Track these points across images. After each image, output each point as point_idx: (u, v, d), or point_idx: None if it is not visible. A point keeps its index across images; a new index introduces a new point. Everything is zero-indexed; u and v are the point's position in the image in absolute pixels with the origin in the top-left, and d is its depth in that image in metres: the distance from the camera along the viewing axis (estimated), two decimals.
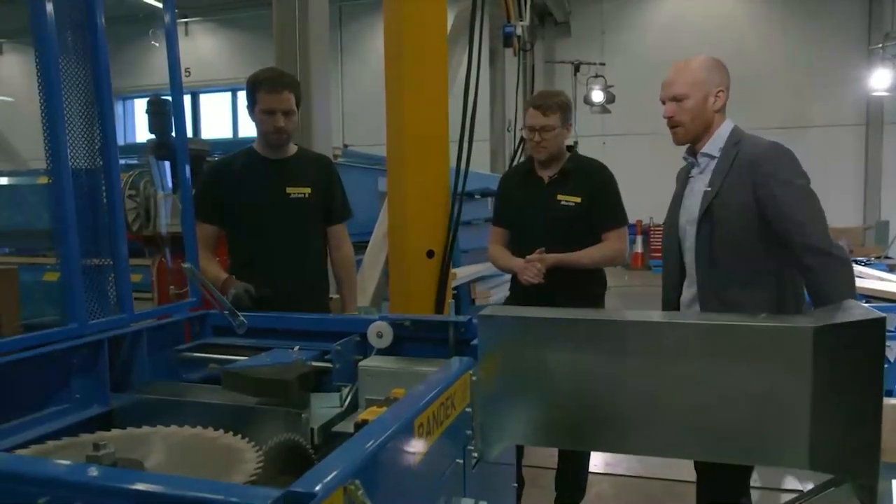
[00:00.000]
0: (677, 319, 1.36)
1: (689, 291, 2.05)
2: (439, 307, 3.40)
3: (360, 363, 1.57)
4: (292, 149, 2.60)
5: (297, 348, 1.78)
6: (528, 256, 2.54)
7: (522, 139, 7.73)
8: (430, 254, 3.37)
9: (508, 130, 8.71)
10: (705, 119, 2.01)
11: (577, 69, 9.37)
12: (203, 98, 16.19)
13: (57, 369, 1.56)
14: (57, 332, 1.57)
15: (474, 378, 1.32)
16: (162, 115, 3.22)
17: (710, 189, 1.95)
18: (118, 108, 15.93)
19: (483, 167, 8.00)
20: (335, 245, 2.68)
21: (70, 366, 1.58)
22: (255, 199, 2.48)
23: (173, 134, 3.20)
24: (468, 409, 1.29)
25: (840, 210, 11.98)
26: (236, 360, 1.76)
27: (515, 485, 1.79)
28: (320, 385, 1.69)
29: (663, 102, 2.02)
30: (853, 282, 1.87)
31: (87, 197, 1.72)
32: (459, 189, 3.34)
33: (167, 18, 2.05)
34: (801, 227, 1.84)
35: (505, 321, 1.37)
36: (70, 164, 1.63)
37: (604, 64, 10.17)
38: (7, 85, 15.97)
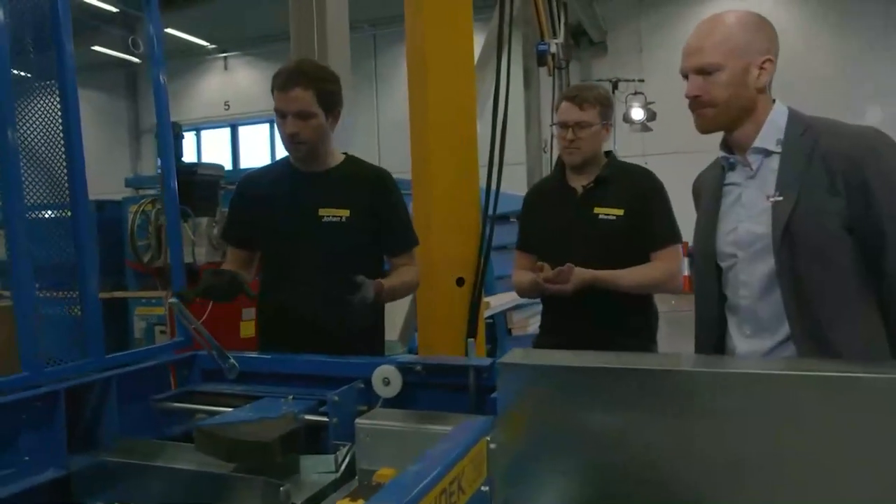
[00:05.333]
0: (772, 370, 1.02)
1: (752, 342, 1.49)
2: (471, 337, 3.12)
3: (357, 420, 1.29)
4: (335, 159, 2.08)
5: (290, 398, 1.51)
6: (556, 269, 2.07)
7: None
8: (461, 281, 3.10)
9: (545, 151, 8.42)
10: (745, 100, 1.47)
11: (615, 86, 9.04)
12: (242, 130, 16.39)
13: (3, 427, 1.32)
14: (6, 382, 1.34)
15: (493, 446, 1.03)
16: (173, 138, 3.06)
17: (780, 198, 1.42)
18: None
19: (520, 189, 7.71)
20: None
21: (19, 422, 1.34)
22: (282, 221, 2.02)
23: (183, 159, 2.97)
24: (484, 489, 0.99)
25: None
26: (220, 412, 1.51)
27: None
28: (318, 442, 1.42)
29: (685, 77, 1.52)
30: None
31: (51, 229, 1.53)
32: (490, 211, 3.09)
33: (153, 37, 1.84)
34: None
35: (532, 370, 1.07)
36: (26, 196, 1.45)
37: (643, 80, 9.81)
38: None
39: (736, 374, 0.98)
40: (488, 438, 1.02)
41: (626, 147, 11.59)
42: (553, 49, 7.04)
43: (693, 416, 0.99)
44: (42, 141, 1.56)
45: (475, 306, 3.10)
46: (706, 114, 1.50)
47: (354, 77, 15.07)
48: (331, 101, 1.99)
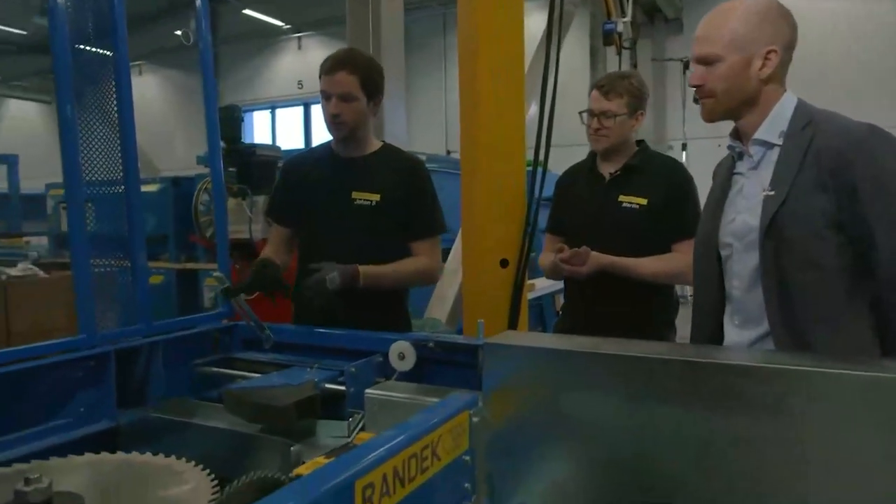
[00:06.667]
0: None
1: (740, 332, 1.50)
2: (513, 320, 3.18)
3: (367, 391, 1.39)
4: (372, 146, 2.20)
5: (315, 367, 1.63)
6: (572, 250, 2.14)
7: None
8: (504, 263, 3.16)
9: None
10: (745, 90, 1.46)
11: (686, 66, 8.73)
12: (314, 108, 16.82)
13: (62, 381, 1.50)
14: (64, 343, 1.52)
15: (475, 419, 1.10)
16: (232, 120, 3.24)
17: (772, 192, 1.41)
18: None
19: None
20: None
21: (75, 378, 1.51)
22: (318, 202, 2.15)
23: (244, 139, 3.13)
24: (466, 458, 1.07)
25: None
26: (252, 377, 1.64)
27: None
28: (338, 409, 1.53)
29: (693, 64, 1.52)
30: None
31: (106, 205, 1.68)
32: (536, 193, 3.11)
33: (202, 20, 1.95)
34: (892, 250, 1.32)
35: (519, 352, 1.13)
36: (84, 174, 1.59)
37: None
38: (146, 102, 17.40)
39: (704, 363, 1.00)
40: (471, 412, 1.09)
41: (698, 129, 11.19)
42: (620, 28, 6.89)
43: (664, 402, 1.03)
44: (99, 117, 1.70)
45: (519, 288, 3.15)
46: (707, 104, 1.52)
47: (423, 55, 15.04)
48: (373, 88, 2.12)
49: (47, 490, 0.96)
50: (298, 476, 0.91)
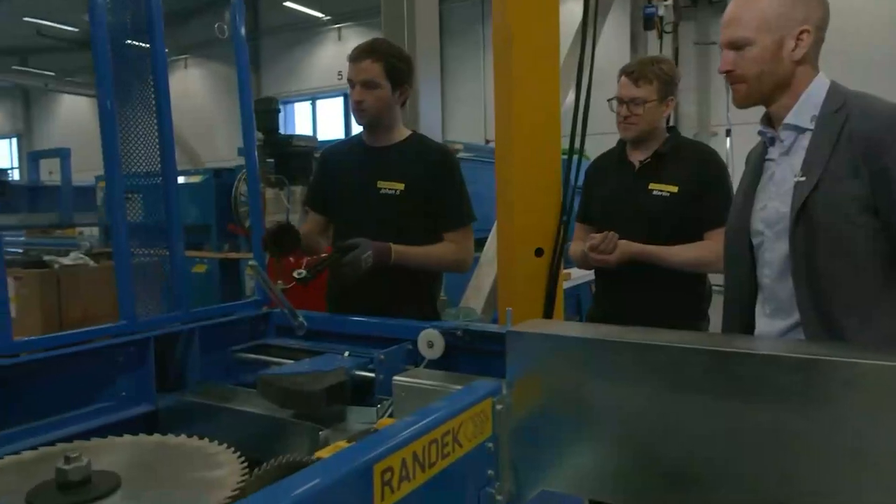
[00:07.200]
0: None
1: (771, 322, 1.46)
2: (549, 309, 3.16)
3: (395, 378, 1.41)
4: (400, 135, 2.22)
5: (346, 354, 1.66)
6: (601, 234, 2.12)
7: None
8: (539, 252, 3.14)
9: None
10: (778, 73, 1.41)
11: None
12: None
13: (103, 366, 1.55)
14: (106, 329, 1.58)
15: (499, 407, 1.10)
16: (269, 112, 3.29)
17: (803, 178, 1.36)
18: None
19: None
20: None
21: (117, 363, 1.57)
22: (347, 191, 2.21)
23: (281, 131, 3.18)
24: (489, 444, 1.07)
25: None
26: (285, 363, 1.68)
27: None
28: (369, 395, 1.56)
29: (722, 49, 1.47)
30: None
31: (147, 195, 1.73)
32: (571, 181, 3.08)
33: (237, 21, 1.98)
34: None
35: (542, 340, 1.12)
36: (123, 165, 1.64)
37: None
38: (191, 95, 17.79)
39: (730, 353, 0.98)
40: (495, 399, 1.10)
41: (740, 114, 10.86)
42: (661, 12, 6.74)
43: (690, 392, 1.01)
44: (139, 111, 1.75)
45: (554, 277, 3.14)
46: (739, 89, 1.47)
47: (462, 44, 14.95)
48: (398, 76, 2.14)
49: (86, 469, 1.00)
50: (318, 459, 0.93)
